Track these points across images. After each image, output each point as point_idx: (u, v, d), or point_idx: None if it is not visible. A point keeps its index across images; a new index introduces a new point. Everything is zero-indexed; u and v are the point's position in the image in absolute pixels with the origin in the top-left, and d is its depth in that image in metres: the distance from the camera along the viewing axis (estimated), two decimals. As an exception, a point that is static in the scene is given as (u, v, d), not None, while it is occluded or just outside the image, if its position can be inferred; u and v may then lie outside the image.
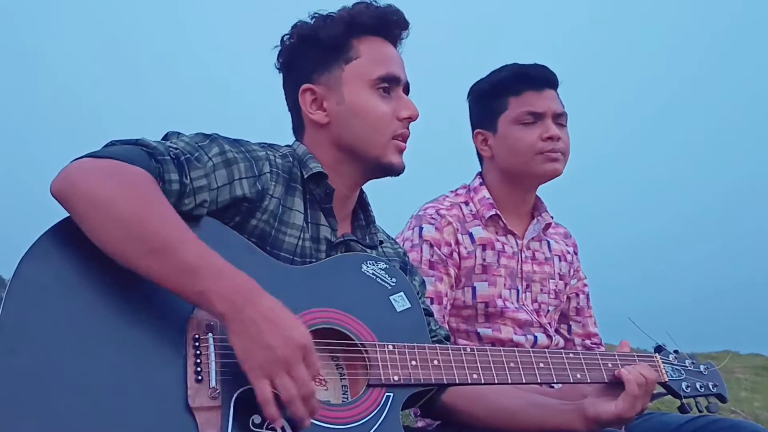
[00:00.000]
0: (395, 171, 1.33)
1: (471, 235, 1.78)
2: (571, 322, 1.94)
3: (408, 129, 1.33)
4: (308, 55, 1.32)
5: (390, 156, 1.30)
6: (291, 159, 1.31)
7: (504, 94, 1.81)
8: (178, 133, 1.22)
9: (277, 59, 1.37)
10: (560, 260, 1.90)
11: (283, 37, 1.36)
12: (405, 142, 1.33)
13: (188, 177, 1.14)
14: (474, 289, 1.76)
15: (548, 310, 1.84)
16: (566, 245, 1.94)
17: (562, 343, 1.88)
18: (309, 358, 1.03)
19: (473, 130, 1.88)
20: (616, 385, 1.29)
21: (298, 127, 1.36)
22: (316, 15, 1.33)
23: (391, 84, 1.31)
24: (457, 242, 1.76)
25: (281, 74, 1.38)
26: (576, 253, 1.96)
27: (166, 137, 1.21)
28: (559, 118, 1.79)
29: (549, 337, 1.80)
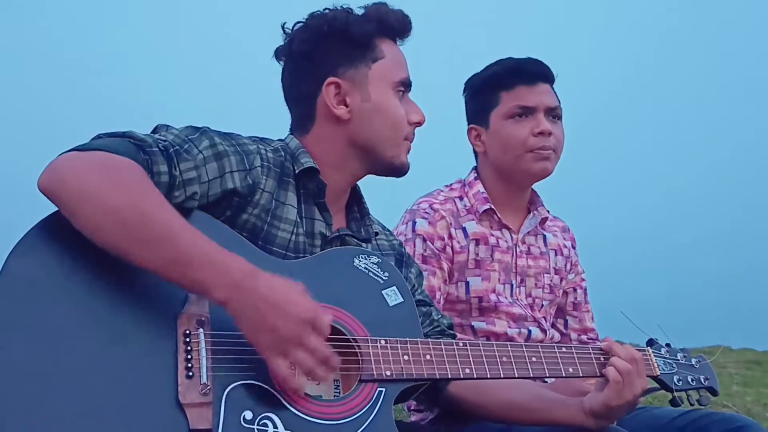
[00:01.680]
0: (403, 172, 1.36)
1: (464, 229, 1.77)
2: (567, 317, 1.94)
3: (414, 133, 1.35)
4: (336, 47, 1.30)
5: (402, 157, 1.34)
6: (283, 153, 1.30)
7: (496, 88, 1.80)
8: (168, 126, 1.21)
9: (295, 46, 1.33)
10: (556, 254, 1.90)
11: (294, 27, 1.33)
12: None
13: (177, 169, 1.13)
14: (467, 283, 1.76)
15: (542, 305, 1.85)
16: (564, 239, 1.94)
17: (557, 337, 1.88)
18: (318, 326, 1.05)
19: (468, 125, 1.88)
20: None
21: (305, 119, 1.33)
22: (337, 8, 1.32)
23: (406, 88, 1.34)
24: (450, 237, 1.75)
25: (293, 62, 1.34)
26: (574, 247, 1.96)
27: (155, 130, 1.21)
28: (553, 112, 1.79)
29: (543, 331, 1.81)
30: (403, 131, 1.32)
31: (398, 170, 1.35)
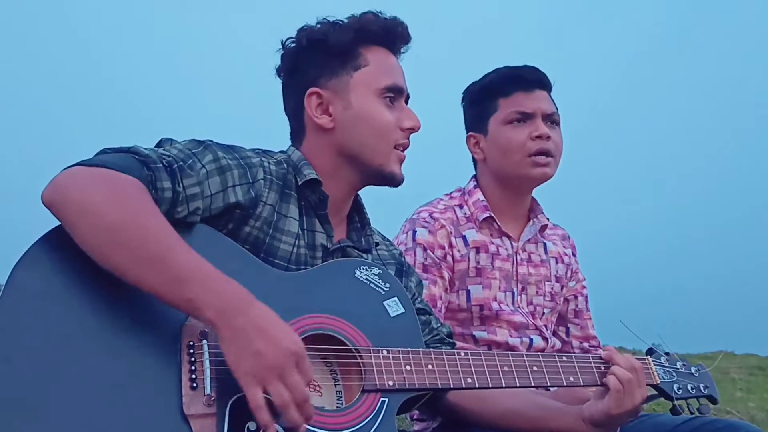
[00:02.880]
0: (396, 182, 1.34)
1: (464, 238, 1.78)
2: (569, 325, 1.94)
3: (409, 140, 1.35)
4: (316, 59, 1.32)
5: (392, 165, 1.32)
6: (285, 166, 1.31)
7: (494, 95, 1.82)
8: (171, 140, 1.22)
9: (282, 62, 1.36)
10: (557, 262, 1.90)
11: (284, 42, 1.36)
12: (404, 152, 1.35)
13: (181, 185, 1.14)
14: (468, 292, 1.76)
15: (544, 313, 1.85)
16: (564, 247, 1.95)
17: (558, 345, 1.88)
18: (302, 364, 1.03)
19: (467, 133, 1.90)
20: None
21: (298, 132, 1.36)
22: (324, 20, 1.33)
23: (396, 95, 1.34)
24: (451, 245, 1.76)
25: (282, 78, 1.38)
26: (575, 255, 1.97)
27: (159, 144, 1.22)
28: (550, 118, 1.80)
29: (545, 339, 1.81)
30: (390, 138, 1.31)
31: (388, 179, 1.34)
